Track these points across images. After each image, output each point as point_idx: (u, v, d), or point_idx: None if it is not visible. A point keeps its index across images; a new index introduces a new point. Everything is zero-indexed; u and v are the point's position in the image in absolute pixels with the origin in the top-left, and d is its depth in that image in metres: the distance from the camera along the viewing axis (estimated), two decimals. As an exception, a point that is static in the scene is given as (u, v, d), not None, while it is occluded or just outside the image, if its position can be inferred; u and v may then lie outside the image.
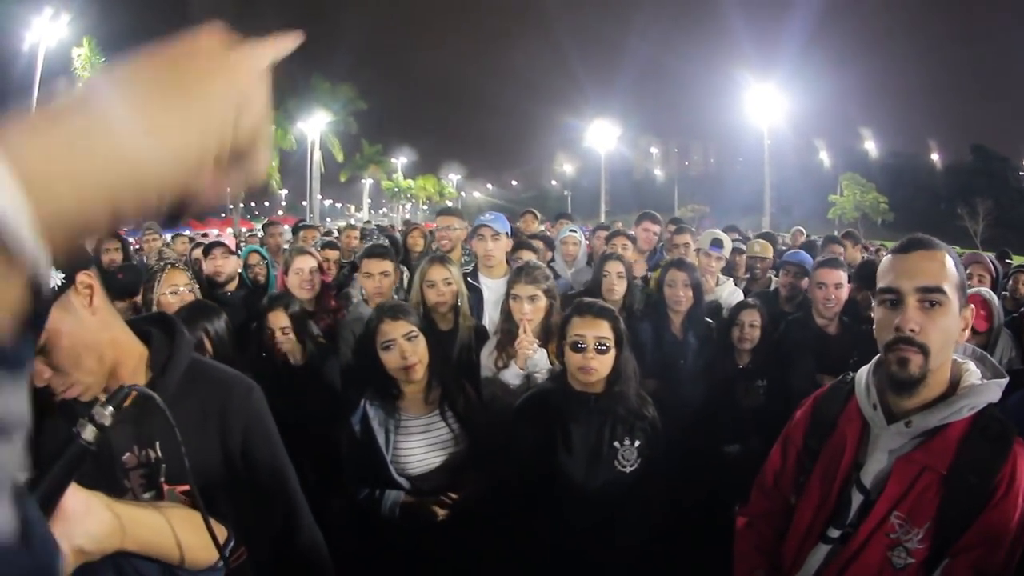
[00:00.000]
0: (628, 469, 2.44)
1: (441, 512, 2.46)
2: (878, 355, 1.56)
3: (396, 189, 54.28)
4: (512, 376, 3.04)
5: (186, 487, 1.45)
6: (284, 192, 39.28)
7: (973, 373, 1.50)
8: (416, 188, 56.36)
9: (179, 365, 1.52)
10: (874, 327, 1.52)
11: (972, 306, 1.50)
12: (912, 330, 1.41)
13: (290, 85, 36.32)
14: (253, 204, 47.45)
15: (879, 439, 1.52)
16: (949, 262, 1.45)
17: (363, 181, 50.99)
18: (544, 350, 3.07)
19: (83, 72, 22.04)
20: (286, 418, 1.82)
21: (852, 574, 1.48)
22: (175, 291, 3.22)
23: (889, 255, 1.53)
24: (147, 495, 1.45)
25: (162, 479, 1.45)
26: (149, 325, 1.54)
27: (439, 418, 2.62)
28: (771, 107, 33.15)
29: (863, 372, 1.64)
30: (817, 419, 1.70)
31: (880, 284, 1.50)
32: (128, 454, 1.44)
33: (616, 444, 2.46)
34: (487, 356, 3.19)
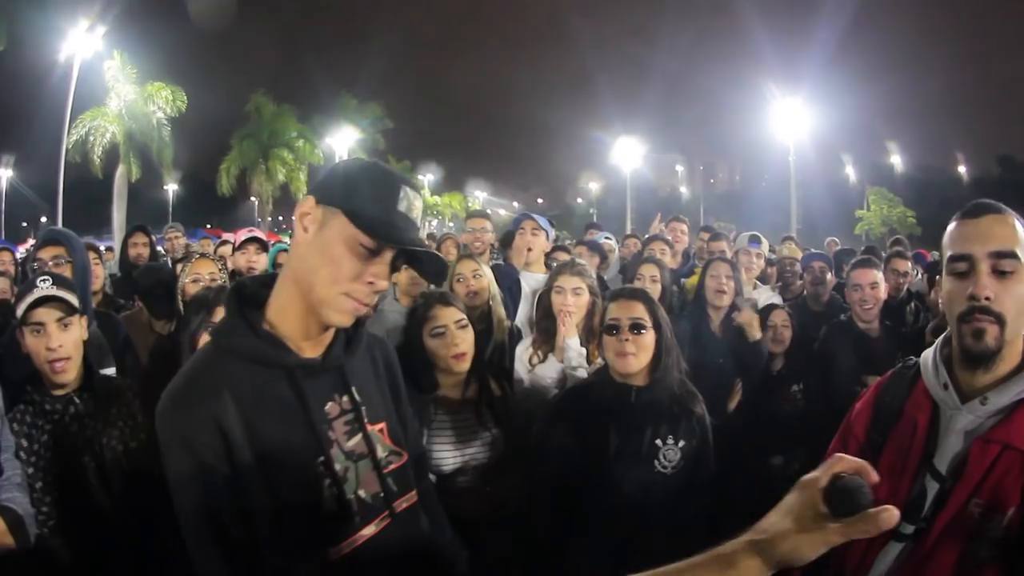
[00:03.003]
0: (669, 470, 2.29)
1: (475, 507, 2.35)
2: (944, 333, 1.47)
3: (423, 206, 54.68)
4: (550, 370, 2.97)
5: (381, 425, 1.60)
6: (311, 207, 39.69)
7: None
8: (442, 205, 56.67)
9: (363, 321, 1.60)
10: (941, 300, 1.45)
11: None
12: (987, 298, 1.31)
13: (318, 101, 36.88)
14: (281, 218, 47.93)
15: (953, 421, 1.39)
16: (1019, 226, 1.36)
17: (390, 198, 51.41)
18: (584, 348, 2.97)
19: (115, 84, 22.49)
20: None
21: (928, 572, 1.34)
22: (197, 279, 3.20)
23: (956, 221, 1.43)
24: (352, 441, 1.51)
25: (366, 420, 1.54)
26: None
27: (474, 416, 2.53)
28: (796, 122, 32.86)
29: (928, 353, 1.51)
30: (880, 409, 1.56)
31: (948, 252, 1.41)
32: (330, 403, 1.50)
33: (658, 442, 2.30)
34: (523, 351, 3.12)
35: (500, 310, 3.33)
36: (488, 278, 3.34)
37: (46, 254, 3.30)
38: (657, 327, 2.38)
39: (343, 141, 36.13)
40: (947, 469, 1.37)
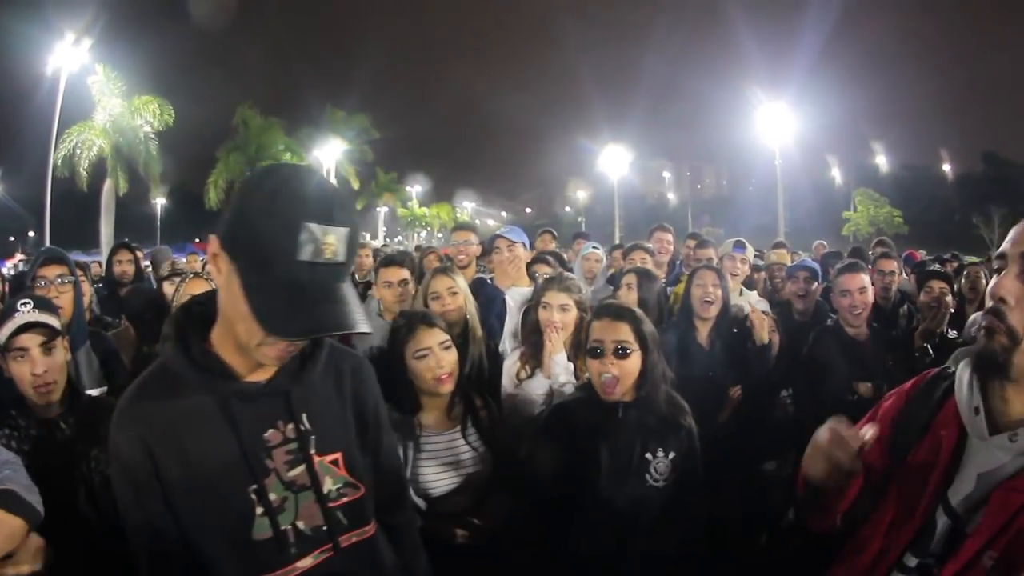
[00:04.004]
0: (660, 483, 2.25)
1: (462, 535, 2.32)
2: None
3: (411, 217, 54.58)
4: (537, 386, 2.93)
5: (335, 455, 1.51)
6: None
7: None
8: (431, 216, 56.62)
9: (326, 341, 1.53)
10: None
11: None
12: (1002, 299, 1.16)
13: (305, 113, 36.84)
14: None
15: (976, 453, 1.22)
16: None
17: (378, 209, 51.38)
18: (572, 364, 2.94)
19: (101, 98, 22.39)
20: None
21: None
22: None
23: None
24: (294, 471, 1.44)
25: (312, 451, 1.46)
26: None
27: (460, 435, 2.48)
28: (782, 126, 33.10)
29: (965, 367, 1.31)
30: (909, 416, 1.38)
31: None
32: (272, 430, 1.43)
33: (648, 456, 2.27)
34: (510, 366, 3.08)
35: (476, 323, 3.27)
36: (464, 292, 3.29)
37: (50, 272, 3.27)
38: (643, 346, 2.33)
39: (331, 153, 36.07)
40: (962, 507, 1.20)
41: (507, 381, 3.04)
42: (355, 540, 1.52)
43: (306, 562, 1.44)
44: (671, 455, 2.29)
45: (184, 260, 8.01)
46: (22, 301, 2.32)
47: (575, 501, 2.29)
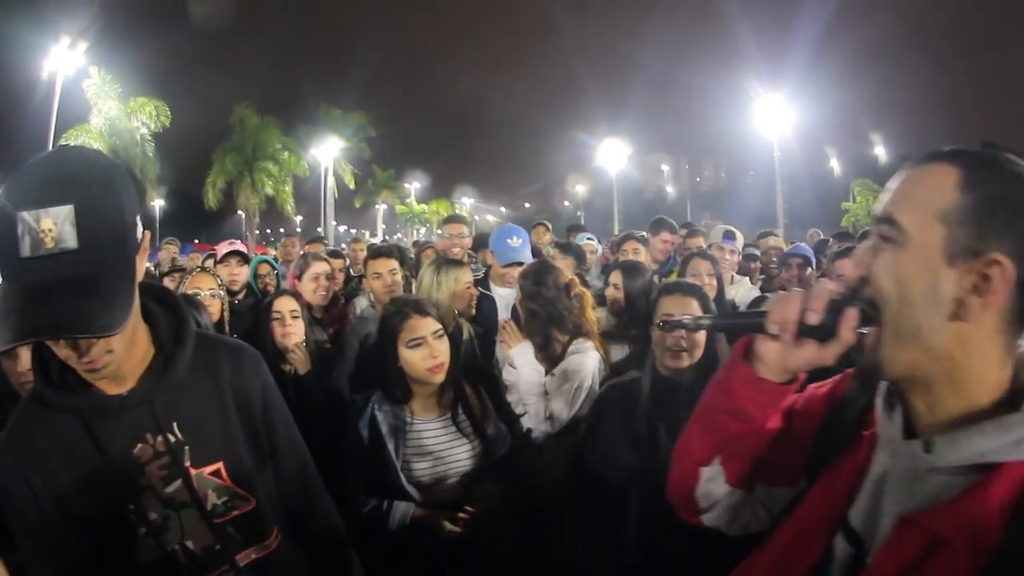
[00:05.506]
0: None
1: (454, 527, 2.28)
2: None
3: (410, 214, 54.61)
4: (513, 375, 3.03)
5: (216, 466, 1.37)
6: (299, 218, 39.58)
7: None
8: (429, 212, 56.60)
9: (190, 336, 1.40)
10: None
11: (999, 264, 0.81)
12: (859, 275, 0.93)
13: (302, 112, 36.81)
14: (269, 231, 47.72)
15: (879, 462, 0.95)
16: (943, 180, 0.86)
17: (377, 206, 51.40)
18: (532, 345, 2.99)
19: (97, 101, 22.40)
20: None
21: None
22: (196, 294, 3.15)
23: None
24: (171, 487, 1.33)
25: (187, 463, 1.34)
26: (142, 298, 1.36)
27: (451, 423, 2.46)
28: (781, 118, 33.02)
29: None
30: (836, 415, 1.08)
31: None
32: (141, 445, 1.32)
33: None
34: (500, 355, 3.15)
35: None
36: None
37: None
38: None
39: (328, 151, 36.07)
40: (864, 530, 0.92)
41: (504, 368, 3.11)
42: (255, 557, 1.42)
43: None
44: None
45: (187, 258, 8.03)
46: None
47: (632, 481, 2.24)
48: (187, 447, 1.35)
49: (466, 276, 3.36)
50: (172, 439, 1.33)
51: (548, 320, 2.97)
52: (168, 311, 1.42)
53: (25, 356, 2.22)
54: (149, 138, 23.94)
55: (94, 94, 22.44)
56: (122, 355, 1.24)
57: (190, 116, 30.53)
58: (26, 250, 1.02)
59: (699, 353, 2.31)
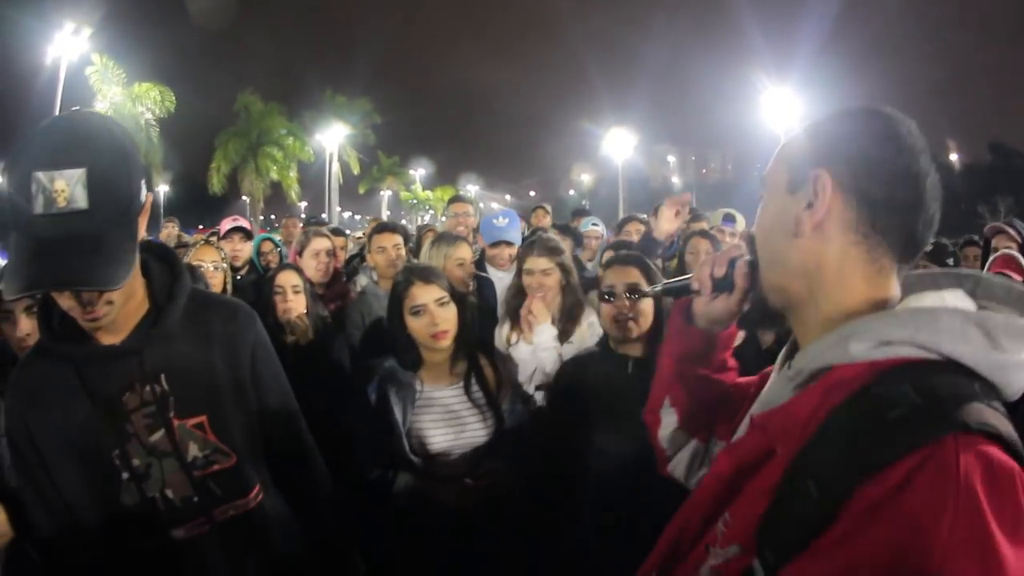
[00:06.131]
0: None
1: (453, 499, 2.25)
2: None
3: (414, 200, 54.59)
4: (523, 352, 2.92)
5: (199, 419, 1.43)
6: (303, 204, 39.61)
7: (933, 298, 0.88)
8: (434, 199, 56.58)
9: (183, 291, 1.46)
10: None
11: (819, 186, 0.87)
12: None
13: (307, 98, 36.75)
14: (273, 217, 47.73)
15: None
16: (797, 136, 0.96)
17: (381, 193, 51.38)
18: (554, 328, 2.93)
19: (101, 86, 22.37)
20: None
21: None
22: (199, 266, 3.16)
23: None
24: (155, 435, 1.39)
25: (171, 414, 1.40)
26: (143, 254, 1.44)
27: (462, 392, 2.42)
28: (787, 111, 32.88)
29: None
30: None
31: None
32: (129, 393, 1.38)
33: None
34: (499, 337, 3.09)
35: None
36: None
37: None
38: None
39: (333, 137, 36.04)
40: None
41: (499, 346, 3.05)
42: (232, 514, 1.46)
43: (179, 532, 1.41)
44: None
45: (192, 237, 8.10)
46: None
47: (585, 459, 2.25)
48: (172, 398, 1.41)
49: (458, 252, 3.35)
50: (159, 389, 1.40)
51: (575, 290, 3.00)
52: (166, 268, 1.49)
53: (24, 321, 2.24)
54: (154, 123, 23.91)
55: (98, 80, 22.41)
56: (120, 307, 1.32)
57: (195, 102, 30.48)
58: (39, 207, 1.11)
59: (646, 323, 2.32)
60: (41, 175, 1.11)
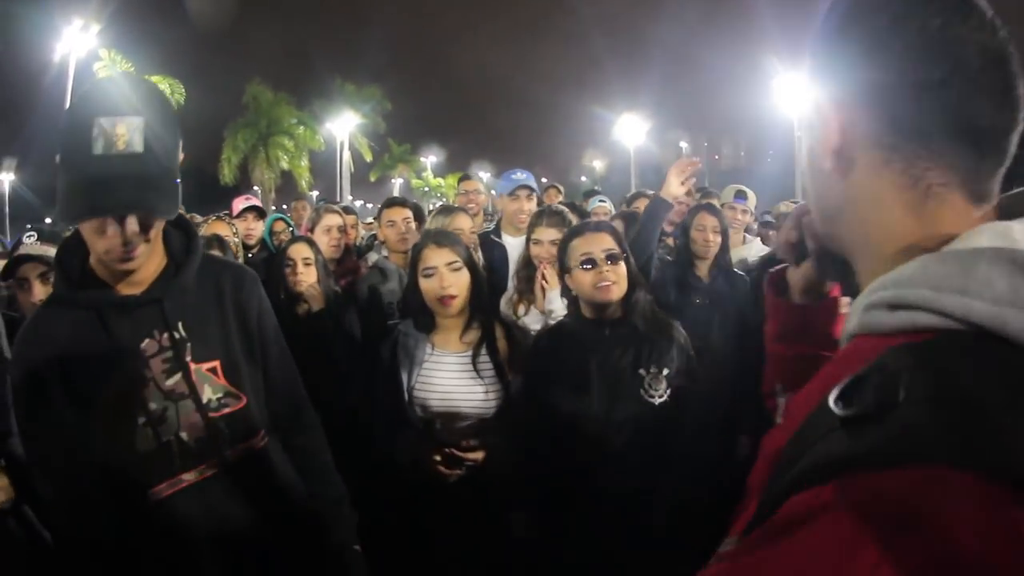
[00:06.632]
0: (657, 400, 2.22)
1: (448, 469, 2.27)
2: None
3: (426, 188, 54.58)
4: (533, 321, 2.94)
5: (213, 363, 1.53)
6: (315, 193, 39.67)
7: (993, 233, 0.63)
8: (446, 187, 56.54)
9: (198, 250, 1.58)
10: None
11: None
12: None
13: (318, 87, 36.73)
14: (285, 206, 47.85)
15: None
16: None
17: (393, 180, 51.38)
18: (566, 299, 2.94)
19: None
20: (304, 365, 1.84)
21: None
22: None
23: None
24: (171, 380, 1.48)
25: (188, 358, 1.49)
26: None
27: (469, 361, 2.41)
28: (801, 96, 32.51)
29: None
30: None
31: None
32: (148, 340, 1.47)
33: (641, 372, 2.25)
34: (505, 305, 3.10)
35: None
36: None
37: None
38: (626, 257, 2.36)
39: (344, 126, 36.05)
40: None
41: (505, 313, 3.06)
42: (241, 454, 1.55)
43: (190, 476, 1.48)
44: (665, 371, 2.27)
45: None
46: (28, 234, 2.39)
47: (574, 425, 2.26)
48: (189, 344, 1.50)
49: (456, 223, 3.36)
50: (176, 336, 1.49)
51: None
52: (181, 231, 1.61)
53: (38, 287, 2.29)
54: (163, 115, 23.99)
55: (106, 74, 22.48)
56: (147, 254, 1.43)
57: (204, 94, 30.45)
58: (99, 149, 1.25)
59: (625, 285, 2.33)
60: (103, 120, 1.25)
